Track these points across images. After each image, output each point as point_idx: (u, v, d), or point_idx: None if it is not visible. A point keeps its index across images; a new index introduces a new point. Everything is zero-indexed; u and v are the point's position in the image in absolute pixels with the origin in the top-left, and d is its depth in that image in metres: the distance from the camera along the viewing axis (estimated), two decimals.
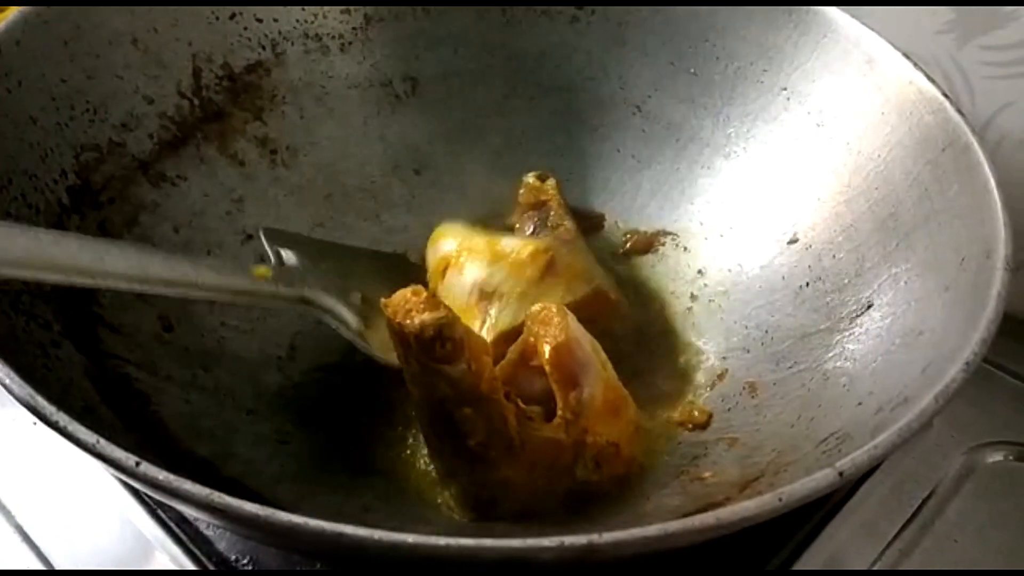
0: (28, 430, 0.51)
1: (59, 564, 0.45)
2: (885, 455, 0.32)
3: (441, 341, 0.37)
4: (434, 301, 0.38)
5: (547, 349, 0.40)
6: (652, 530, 0.28)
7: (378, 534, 0.27)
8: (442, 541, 0.27)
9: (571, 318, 0.41)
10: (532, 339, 0.41)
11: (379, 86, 0.58)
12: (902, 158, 0.47)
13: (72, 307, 0.42)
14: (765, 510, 0.30)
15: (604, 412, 0.41)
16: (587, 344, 0.41)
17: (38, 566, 0.45)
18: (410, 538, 0.27)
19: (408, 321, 0.37)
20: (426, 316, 0.37)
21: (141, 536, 0.46)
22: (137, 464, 0.29)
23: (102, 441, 0.29)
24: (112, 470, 0.30)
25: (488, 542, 0.28)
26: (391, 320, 0.38)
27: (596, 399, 0.40)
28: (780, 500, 0.30)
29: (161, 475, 0.29)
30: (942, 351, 0.37)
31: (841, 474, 0.30)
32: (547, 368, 0.40)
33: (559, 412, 0.40)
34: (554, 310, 0.41)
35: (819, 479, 0.30)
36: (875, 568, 0.46)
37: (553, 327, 0.40)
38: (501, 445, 0.39)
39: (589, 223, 0.58)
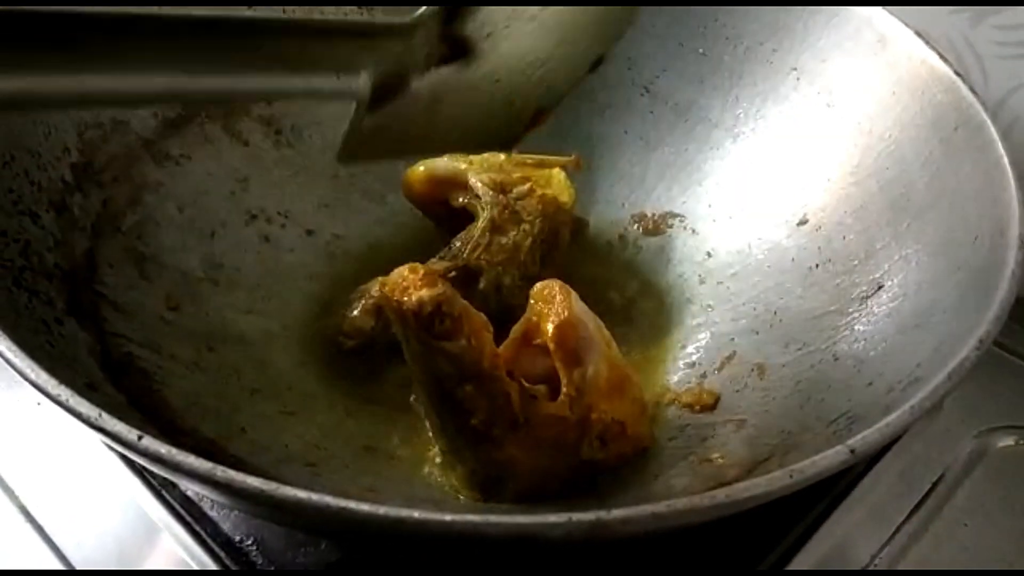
0: (32, 411, 0.50)
1: (63, 545, 0.45)
2: (897, 433, 0.31)
3: (440, 317, 0.37)
4: (432, 278, 0.37)
5: (550, 327, 0.39)
6: (661, 506, 0.28)
7: (383, 509, 0.27)
8: (448, 516, 0.27)
9: (574, 296, 0.40)
10: (535, 317, 0.40)
11: None
12: (914, 138, 0.46)
13: (75, 285, 0.42)
14: (776, 487, 0.29)
15: (609, 390, 0.40)
16: (590, 322, 0.40)
17: (43, 547, 0.45)
18: (416, 513, 0.27)
19: (406, 299, 0.37)
20: (424, 293, 0.36)
21: (146, 517, 0.46)
22: (139, 438, 0.29)
23: (104, 415, 0.29)
24: (115, 445, 0.30)
25: (495, 518, 0.27)
26: (388, 298, 0.37)
27: (600, 377, 0.40)
28: (791, 477, 0.29)
29: (164, 449, 0.28)
30: (955, 330, 0.37)
31: (853, 451, 0.30)
32: (550, 346, 0.39)
33: (563, 390, 0.39)
34: (556, 288, 0.40)
35: (831, 456, 0.30)
36: (879, 559, 0.46)
37: (556, 305, 0.40)
38: (504, 423, 0.38)
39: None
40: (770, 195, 0.53)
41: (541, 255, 0.50)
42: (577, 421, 0.40)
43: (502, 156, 0.51)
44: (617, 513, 0.27)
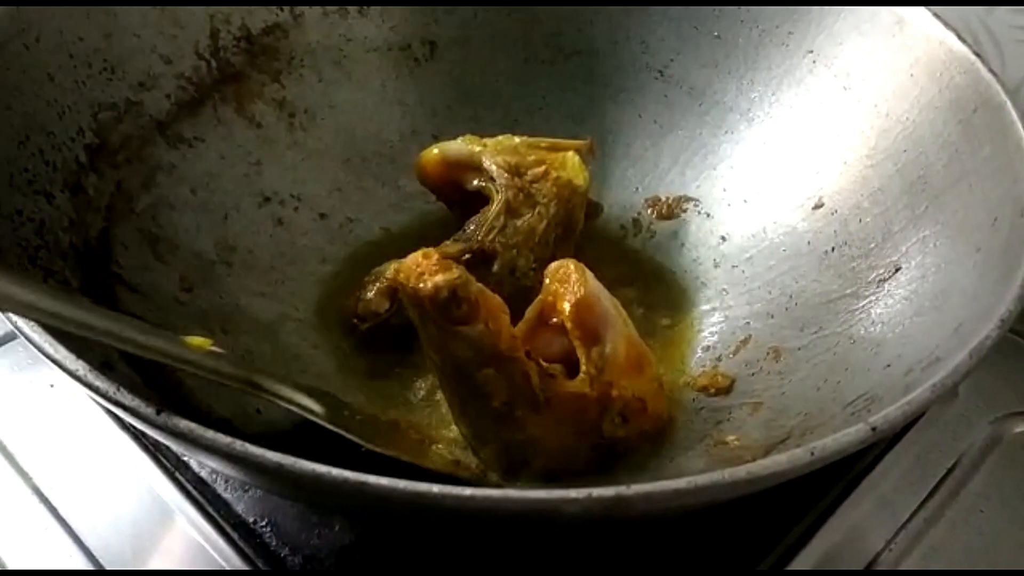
0: (45, 393, 0.50)
1: (77, 527, 0.45)
2: (918, 412, 0.31)
3: (456, 302, 0.36)
4: (446, 263, 0.37)
5: (567, 306, 0.39)
6: (681, 483, 0.28)
7: (402, 484, 0.27)
8: (467, 491, 0.27)
9: (589, 275, 0.40)
10: (550, 297, 0.40)
11: (398, 50, 0.57)
12: (932, 120, 0.46)
13: (90, 265, 0.42)
14: (796, 465, 0.29)
15: (628, 367, 0.40)
16: (607, 300, 0.40)
17: (57, 529, 0.45)
18: (435, 488, 0.27)
19: (422, 285, 0.36)
20: (439, 278, 0.36)
21: (160, 499, 0.46)
22: (158, 412, 0.28)
23: (122, 390, 0.29)
24: (133, 420, 0.30)
25: (514, 493, 0.27)
26: (404, 286, 0.37)
27: (619, 354, 0.40)
28: (812, 455, 0.29)
29: (183, 423, 0.28)
30: (975, 311, 0.36)
31: (874, 429, 0.30)
32: (568, 325, 0.39)
33: (583, 368, 0.39)
34: (572, 267, 0.40)
35: (851, 434, 0.30)
36: (894, 544, 0.45)
37: (572, 283, 0.39)
38: (525, 403, 0.38)
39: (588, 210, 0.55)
40: (785, 179, 0.52)
41: (555, 238, 0.50)
42: (597, 398, 0.40)
43: (516, 139, 0.51)
44: (637, 489, 0.27)
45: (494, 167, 0.49)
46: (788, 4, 0.53)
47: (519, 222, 0.49)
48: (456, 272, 0.37)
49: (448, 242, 0.49)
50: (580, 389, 0.39)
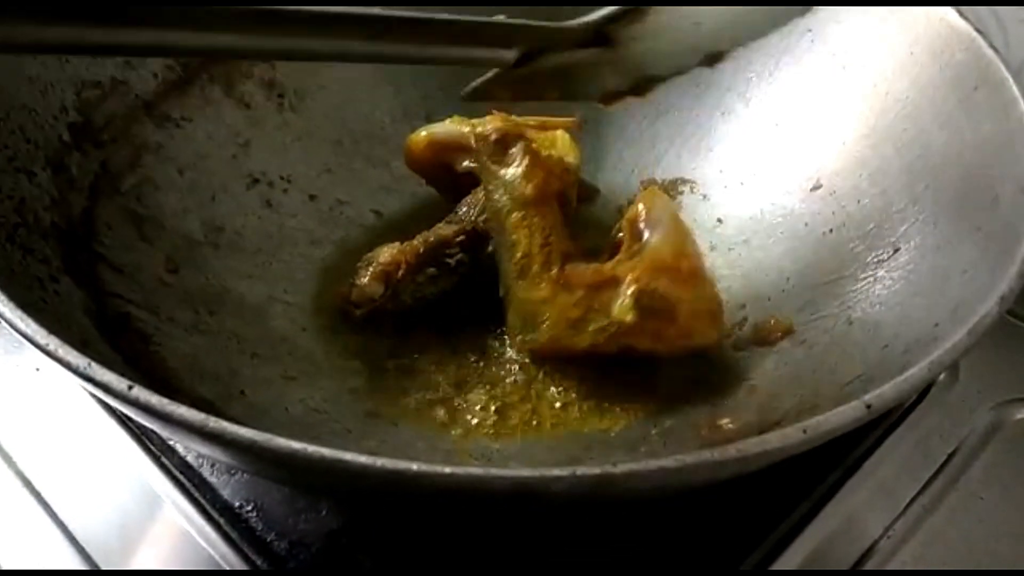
0: (31, 377, 0.50)
1: (62, 512, 0.44)
2: (915, 390, 0.30)
3: (504, 145, 0.45)
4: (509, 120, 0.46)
5: (641, 205, 0.43)
6: (669, 461, 0.27)
7: (380, 461, 0.26)
8: (447, 469, 0.26)
9: (666, 198, 0.45)
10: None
11: None
12: (932, 98, 0.45)
13: (72, 244, 0.41)
14: (789, 444, 0.28)
15: (671, 271, 0.41)
16: (668, 214, 0.43)
17: (41, 514, 0.44)
18: (414, 466, 0.26)
19: (480, 129, 0.46)
20: (491, 124, 0.46)
21: (146, 484, 0.45)
22: (130, 388, 0.28)
23: (94, 365, 0.28)
24: (105, 397, 0.29)
25: (496, 471, 0.26)
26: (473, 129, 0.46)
27: (661, 253, 0.41)
28: (804, 433, 0.28)
29: (155, 399, 0.27)
30: (974, 290, 0.36)
31: (869, 407, 0.29)
32: (632, 217, 0.42)
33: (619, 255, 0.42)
34: (656, 190, 0.47)
35: (846, 412, 0.29)
36: (892, 530, 0.45)
37: (659, 198, 0.44)
38: (540, 259, 0.42)
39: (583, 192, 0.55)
40: (783, 160, 0.52)
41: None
42: (613, 276, 0.41)
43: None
44: (624, 467, 0.26)
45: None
46: None
47: None
48: (509, 123, 0.46)
49: (441, 224, 0.49)
50: (600, 265, 0.42)
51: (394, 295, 0.47)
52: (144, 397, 0.27)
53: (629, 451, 0.41)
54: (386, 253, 0.48)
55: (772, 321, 0.46)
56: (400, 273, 0.47)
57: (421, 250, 0.48)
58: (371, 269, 0.48)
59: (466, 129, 0.49)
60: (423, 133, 0.50)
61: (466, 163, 0.49)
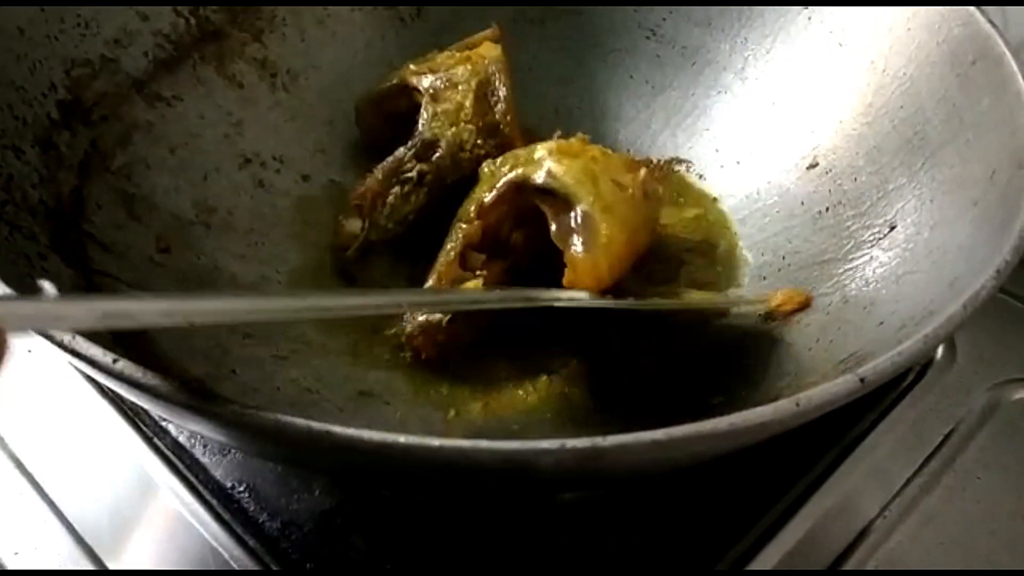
0: (23, 359, 0.49)
1: (54, 493, 0.44)
2: (910, 363, 0.30)
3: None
4: None
5: None
6: (659, 434, 0.26)
7: (367, 434, 0.26)
8: (436, 442, 0.26)
9: None
10: None
11: (383, 8, 0.57)
12: (929, 74, 0.45)
13: (61, 222, 0.41)
14: (781, 416, 0.28)
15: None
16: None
17: (34, 496, 0.44)
18: (402, 438, 0.26)
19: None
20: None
21: (138, 465, 0.45)
22: (115, 361, 0.27)
23: (78, 338, 0.28)
24: (89, 370, 0.28)
25: (484, 444, 0.26)
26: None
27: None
28: (797, 405, 0.28)
29: (139, 372, 0.27)
30: (971, 265, 0.35)
31: (863, 380, 0.29)
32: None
33: None
34: None
35: (839, 385, 0.29)
36: (888, 510, 0.44)
37: None
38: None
39: None
40: (779, 139, 0.51)
41: (489, 104, 0.50)
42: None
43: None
44: (613, 440, 0.26)
45: (414, 78, 0.51)
46: None
47: (446, 104, 0.50)
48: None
49: (402, 148, 0.50)
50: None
51: (373, 224, 0.49)
52: (130, 371, 0.27)
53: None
54: (352, 192, 0.51)
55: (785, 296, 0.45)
56: (369, 199, 0.49)
57: (380, 176, 0.49)
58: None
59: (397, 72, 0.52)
60: (364, 95, 0.54)
61: (407, 101, 0.52)
